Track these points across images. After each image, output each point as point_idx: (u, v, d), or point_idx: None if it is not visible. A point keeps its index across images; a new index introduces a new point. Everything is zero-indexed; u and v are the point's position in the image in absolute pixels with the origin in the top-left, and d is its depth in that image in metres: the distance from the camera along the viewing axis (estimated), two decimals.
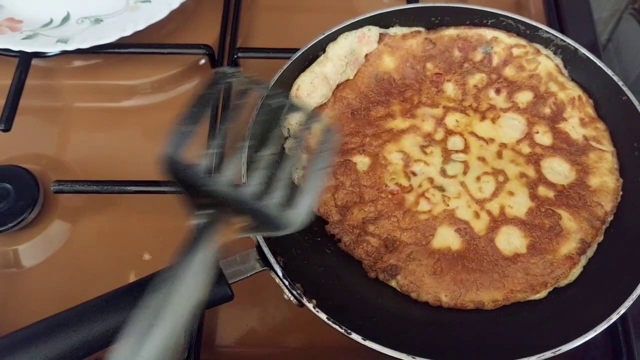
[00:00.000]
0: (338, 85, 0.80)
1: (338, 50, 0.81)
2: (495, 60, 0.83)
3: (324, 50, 0.81)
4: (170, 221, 0.81)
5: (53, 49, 0.88)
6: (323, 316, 0.61)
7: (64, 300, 0.76)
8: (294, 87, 0.79)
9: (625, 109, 0.76)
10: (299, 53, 0.79)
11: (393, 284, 0.69)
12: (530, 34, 0.83)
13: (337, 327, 0.61)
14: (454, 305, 0.68)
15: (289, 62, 0.79)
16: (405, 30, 0.84)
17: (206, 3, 1.01)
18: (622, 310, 0.62)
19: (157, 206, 0.82)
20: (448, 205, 0.72)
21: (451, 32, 0.84)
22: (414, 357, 0.59)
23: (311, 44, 0.80)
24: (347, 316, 0.62)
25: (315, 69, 0.80)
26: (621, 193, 0.74)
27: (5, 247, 0.80)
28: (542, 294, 0.68)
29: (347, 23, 0.82)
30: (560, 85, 0.81)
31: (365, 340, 0.60)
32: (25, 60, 0.89)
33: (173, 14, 0.92)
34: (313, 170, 0.57)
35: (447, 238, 0.70)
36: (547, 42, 0.82)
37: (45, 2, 0.95)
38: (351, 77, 0.81)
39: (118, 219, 0.82)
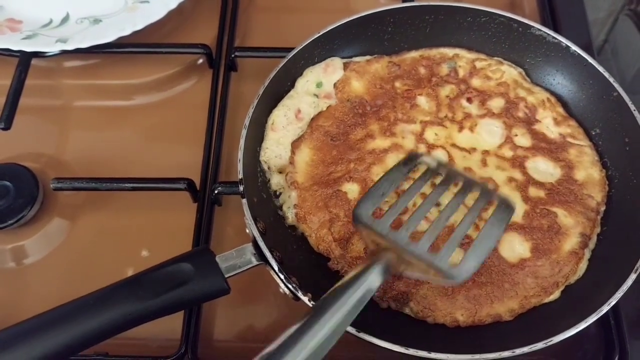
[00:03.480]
0: (313, 117, 0.80)
1: (305, 84, 0.82)
2: (461, 73, 0.84)
3: (293, 85, 0.82)
4: (167, 218, 0.82)
5: (52, 48, 0.89)
6: None
7: (63, 296, 0.76)
8: (269, 122, 0.79)
9: (616, 105, 0.77)
10: (293, 52, 0.80)
11: (407, 311, 0.69)
12: (522, 32, 0.84)
13: None
14: (472, 323, 0.67)
15: (284, 60, 0.80)
16: (368, 57, 0.85)
17: (204, 3, 1.02)
18: (612, 301, 0.62)
19: (154, 203, 0.82)
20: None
21: (413, 54, 0.86)
22: (407, 349, 0.60)
23: (306, 42, 0.81)
24: None
25: (287, 102, 0.81)
26: (607, 182, 0.75)
27: (5, 244, 0.81)
28: (556, 294, 0.69)
29: (346, 20, 0.83)
30: (527, 90, 0.82)
31: (359, 332, 0.61)
32: (25, 60, 0.90)
33: (171, 14, 0.93)
34: (485, 230, 0.63)
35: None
36: (539, 40, 0.83)
37: (44, 3, 0.96)
38: (324, 109, 0.81)
39: (116, 216, 0.83)
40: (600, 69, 0.78)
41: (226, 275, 0.64)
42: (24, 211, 0.80)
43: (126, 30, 0.90)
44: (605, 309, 0.62)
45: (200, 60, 0.97)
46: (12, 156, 0.87)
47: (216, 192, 0.80)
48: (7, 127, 0.84)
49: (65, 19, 0.95)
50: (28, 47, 0.89)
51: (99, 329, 0.59)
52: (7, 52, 0.90)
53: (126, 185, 0.80)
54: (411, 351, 0.60)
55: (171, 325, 0.73)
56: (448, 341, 0.66)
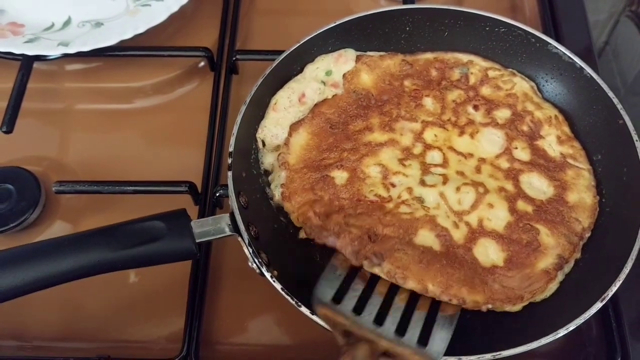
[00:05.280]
0: (316, 103, 0.81)
1: (315, 70, 0.82)
2: (472, 80, 0.84)
3: (301, 70, 0.83)
4: None
5: (54, 52, 0.90)
6: (278, 286, 0.63)
7: (65, 300, 0.77)
8: (272, 102, 0.80)
9: (620, 133, 0.75)
10: (306, 38, 0.81)
11: (376, 270, 0.68)
12: (539, 47, 0.83)
13: (289, 298, 0.62)
14: (438, 297, 0.67)
15: (296, 45, 0.81)
16: (382, 53, 0.86)
17: (205, 6, 1.02)
18: (571, 327, 0.62)
19: (156, 206, 0.82)
20: (428, 212, 0.72)
21: (427, 55, 0.86)
22: None
23: (321, 30, 0.82)
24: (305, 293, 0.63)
25: (292, 85, 0.81)
26: (598, 209, 0.74)
27: (7, 247, 0.81)
28: (517, 307, 0.69)
29: (364, 14, 0.83)
30: (536, 105, 0.82)
31: (313, 315, 0.62)
32: (27, 63, 0.90)
33: (172, 18, 0.94)
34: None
35: (427, 240, 0.70)
36: (555, 58, 0.82)
37: (46, 7, 0.96)
38: (329, 97, 0.81)
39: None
40: (611, 94, 0.77)
41: (197, 240, 0.65)
42: (26, 214, 0.80)
43: (128, 34, 0.90)
44: (562, 332, 0.61)
45: (202, 63, 0.97)
46: (14, 159, 0.87)
47: (218, 195, 0.80)
48: (9, 131, 0.84)
49: (67, 23, 0.95)
50: (30, 51, 0.89)
51: (68, 270, 0.61)
52: (9, 56, 0.90)
53: (128, 188, 0.80)
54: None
55: (173, 328, 0.74)
56: None
